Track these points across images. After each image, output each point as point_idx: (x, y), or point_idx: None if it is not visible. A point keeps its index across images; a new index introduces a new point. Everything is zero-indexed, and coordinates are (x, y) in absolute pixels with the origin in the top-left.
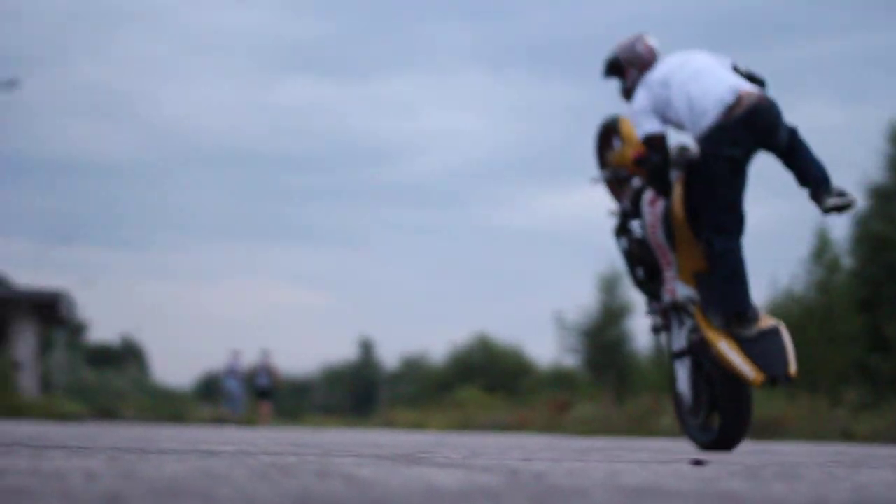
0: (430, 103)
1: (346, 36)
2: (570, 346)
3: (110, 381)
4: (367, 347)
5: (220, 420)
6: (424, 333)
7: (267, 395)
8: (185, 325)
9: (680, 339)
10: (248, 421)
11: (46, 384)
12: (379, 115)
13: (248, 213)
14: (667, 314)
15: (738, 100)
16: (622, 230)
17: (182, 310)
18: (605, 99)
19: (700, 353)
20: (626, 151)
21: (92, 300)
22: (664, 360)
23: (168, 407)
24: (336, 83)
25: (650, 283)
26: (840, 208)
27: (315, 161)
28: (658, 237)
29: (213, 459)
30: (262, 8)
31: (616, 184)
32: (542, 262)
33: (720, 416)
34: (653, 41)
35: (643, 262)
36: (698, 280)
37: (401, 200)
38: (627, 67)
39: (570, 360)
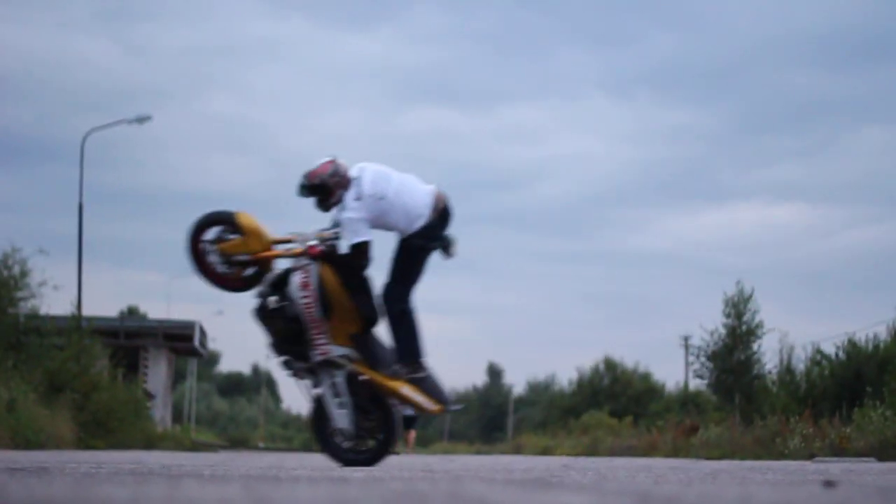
0: (555, 129)
1: (470, 64)
2: (697, 369)
3: (241, 410)
4: (494, 373)
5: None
6: (551, 359)
7: (411, 423)
8: None
9: (332, 388)
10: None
11: (178, 414)
12: (505, 142)
13: (379, 241)
14: (314, 370)
15: (436, 201)
16: (262, 310)
17: None
18: (729, 121)
19: (359, 395)
20: (250, 242)
21: (223, 330)
22: (791, 382)
23: (299, 435)
24: (461, 111)
25: (294, 347)
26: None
27: (445, 189)
28: (314, 313)
29: (346, 486)
30: (387, 37)
31: (229, 269)
32: (669, 285)
33: (377, 442)
34: (343, 161)
35: (286, 333)
36: (356, 340)
37: (527, 227)
38: (335, 188)
39: (698, 384)
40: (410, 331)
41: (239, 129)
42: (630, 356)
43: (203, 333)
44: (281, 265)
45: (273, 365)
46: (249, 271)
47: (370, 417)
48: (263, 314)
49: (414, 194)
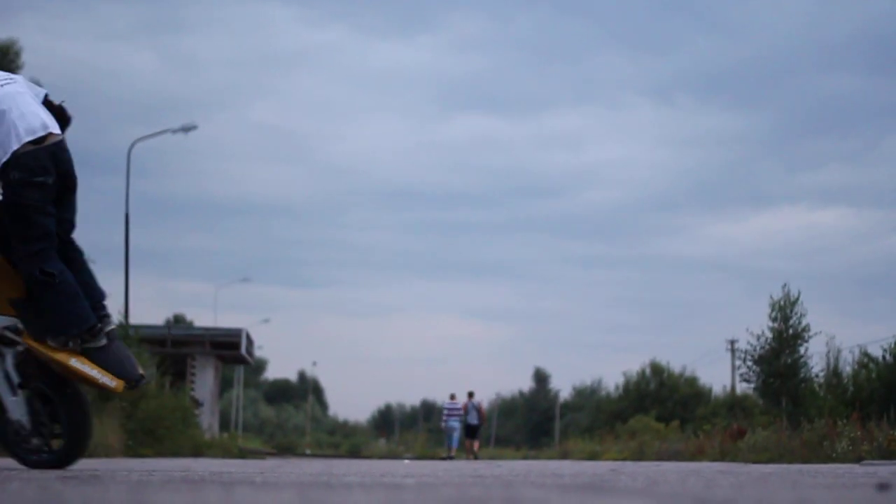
0: (598, 136)
1: (511, 71)
2: (744, 373)
3: (288, 417)
4: (541, 379)
5: (442, 457)
6: (597, 364)
7: (475, 432)
8: (360, 359)
9: (5, 370)
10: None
11: (226, 421)
12: (548, 149)
13: (422, 248)
14: None
15: (46, 137)
16: None
17: (358, 345)
18: (771, 125)
19: (38, 378)
20: None
21: (269, 338)
22: (839, 385)
23: (346, 441)
24: (505, 118)
25: None
26: None
27: (487, 196)
28: None
29: (400, 492)
30: (427, 45)
31: None
32: (715, 290)
33: (65, 437)
34: None
35: None
36: (18, 307)
37: (572, 233)
38: None
39: (744, 387)
40: (61, 294)
41: (282, 138)
42: (676, 361)
43: (250, 341)
44: None
45: (320, 372)
46: None
47: (52, 406)
48: None
49: (23, 111)
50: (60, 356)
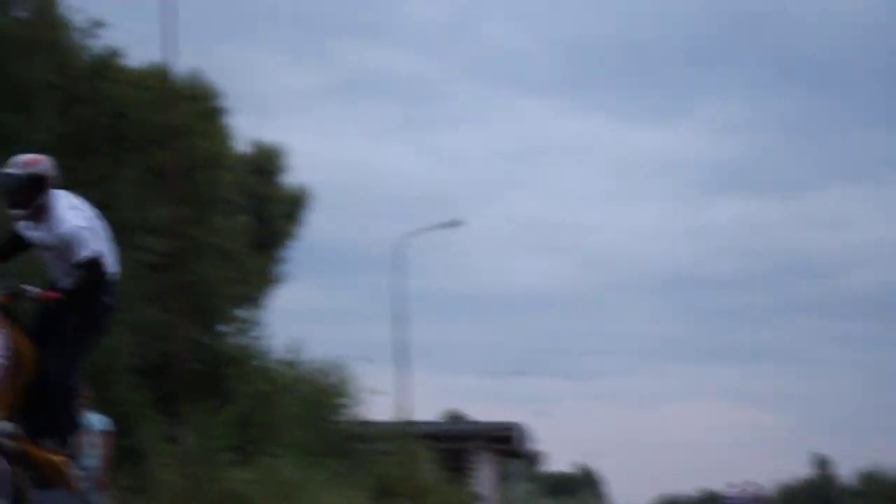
0: (863, 214)
1: (773, 153)
2: None
3: None
4: (822, 465)
5: None
6: (878, 446)
7: None
8: (638, 449)
9: None
10: None
11: None
12: (813, 229)
13: (690, 334)
14: None
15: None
16: None
17: (634, 434)
18: None
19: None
20: None
21: (546, 430)
22: None
23: None
24: (767, 200)
25: None
26: None
27: (752, 279)
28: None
29: None
30: (685, 130)
31: None
32: None
33: None
34: None
35: None
36: (18, 411)
37: (843, 314)
38: (47, 187)
39: None
40: (75, 406)
41: (541, 228)
42: None
43: (527, 434)
44: None
45: (599, 463)
46: None
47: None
48: None
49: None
50: (57, 459)
